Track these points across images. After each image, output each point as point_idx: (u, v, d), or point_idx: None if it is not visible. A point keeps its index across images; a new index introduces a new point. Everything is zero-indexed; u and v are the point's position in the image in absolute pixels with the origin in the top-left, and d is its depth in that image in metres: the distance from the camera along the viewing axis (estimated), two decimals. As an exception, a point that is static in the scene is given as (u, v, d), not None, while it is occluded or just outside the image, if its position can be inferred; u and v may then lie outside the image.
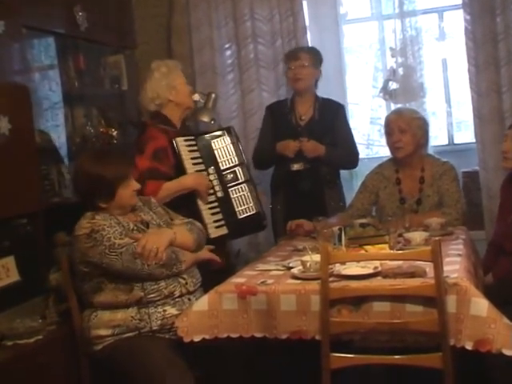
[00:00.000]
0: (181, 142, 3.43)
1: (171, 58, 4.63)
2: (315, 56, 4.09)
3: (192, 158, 3.45)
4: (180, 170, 3.40)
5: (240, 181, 3.48)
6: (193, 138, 3.52)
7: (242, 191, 3.45)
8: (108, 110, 4.28)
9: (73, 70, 3.99)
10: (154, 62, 3.63)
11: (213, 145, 3.53)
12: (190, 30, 4.64)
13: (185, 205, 3.30)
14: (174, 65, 3.63)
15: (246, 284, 2.68)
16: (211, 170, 3.47)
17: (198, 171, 3.45)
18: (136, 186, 2.90)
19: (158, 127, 3.46)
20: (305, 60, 4.02)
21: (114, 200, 2.82)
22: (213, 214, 3.40)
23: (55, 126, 3.77)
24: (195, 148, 3.49)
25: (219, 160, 3.50)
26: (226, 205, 3.43)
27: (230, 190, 3.46)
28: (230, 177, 3.47)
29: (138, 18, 4.63)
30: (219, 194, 3.45)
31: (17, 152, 3.10)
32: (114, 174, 2.80)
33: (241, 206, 3.43)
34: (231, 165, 3.50)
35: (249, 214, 3.44)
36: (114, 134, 4.14)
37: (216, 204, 3.43)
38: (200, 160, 3.48)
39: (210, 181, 3.45)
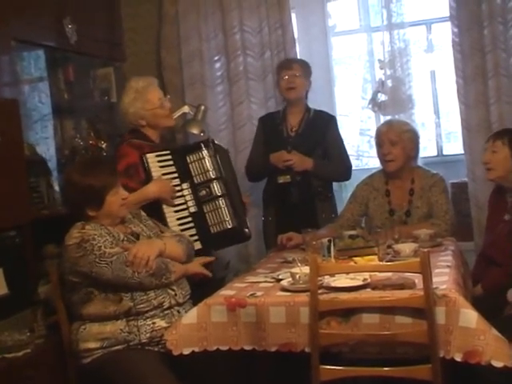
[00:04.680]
0: (151, 158, 3.34)
1: (160, 69, 4.67)
2: (306, 68, 4.13)
3: (165, 174, 3.35)
4: None
5: (214, 195, 3.35)
6: (168, 152, 3.41)
7: (217, 206, 3.33)
8: (97, 122, 4.28)
9: (62, 83, 4.01)
10: (130, 80, 3.59)
11: (187, 159, 3.39)
12: (179, 41, 4.64)
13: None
14: (145, 86, 3.52)
15: (235, 296, 2.68)
16: (185, 185, 3.38)
17: None
18: (124, 194, 2.90)
19: (131, 143, 3.42)
20: (297, 70, 4.05)
21: (103, 208, 2.81)
22: (184, 229, 3.30)
23: (44, 138, 3.77)
24: (170, 163, 3.39)
25: (193, 174, 3.37)
26: (199, 220, 3.34)
27: (203, 205, 3.35)
28: (204, 192, 3.35)
29: (127, 30, 4.65)
30: (192, 210, 3.35)
31: (6, 164, 3.09)
32: (102, 182, 2.80)
33: (214, 222, 3.32)
34: (206, 179, 3.37)
35: (222, 229, 3.32)
36: (104, 146, 4.13)
37: (190, 219, 3.35)
38: (175, 175, 3.38)
39: (184, 196, 3.36)
